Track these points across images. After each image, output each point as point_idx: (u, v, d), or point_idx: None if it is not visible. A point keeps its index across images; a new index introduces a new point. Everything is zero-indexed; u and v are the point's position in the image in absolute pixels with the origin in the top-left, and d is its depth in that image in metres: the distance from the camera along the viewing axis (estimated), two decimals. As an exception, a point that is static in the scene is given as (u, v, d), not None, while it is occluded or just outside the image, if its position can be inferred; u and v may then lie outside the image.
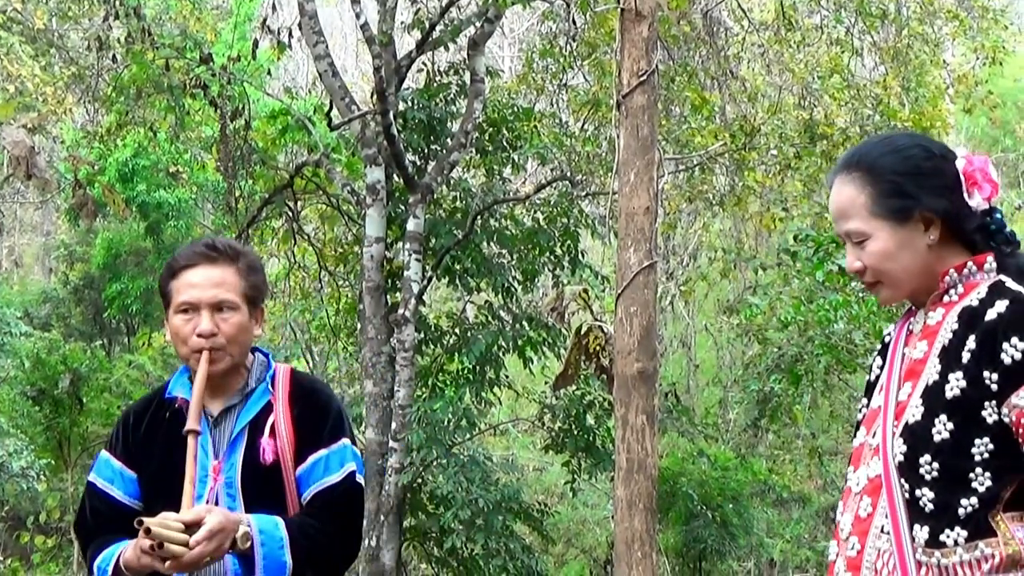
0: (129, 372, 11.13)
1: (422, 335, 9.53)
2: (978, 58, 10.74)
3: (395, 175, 8.99)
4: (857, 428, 2.18)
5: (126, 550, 2.36)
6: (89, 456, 11.14)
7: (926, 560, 1.93)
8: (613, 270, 6.62)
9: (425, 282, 9.15)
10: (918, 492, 1.95)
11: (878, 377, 2.18)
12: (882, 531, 1.98)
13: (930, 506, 1.94)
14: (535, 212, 10.25)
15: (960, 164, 2.04)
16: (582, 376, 9.26)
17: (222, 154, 9.78)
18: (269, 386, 2.51)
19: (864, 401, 2.19)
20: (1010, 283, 1.99)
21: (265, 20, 9.18)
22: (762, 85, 10.86)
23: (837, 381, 9.84)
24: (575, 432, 9.79)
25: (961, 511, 1.92)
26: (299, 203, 10.24)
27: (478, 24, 9.12)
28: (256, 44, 9.55)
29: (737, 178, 10.30)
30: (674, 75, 9.54)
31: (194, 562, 2.25)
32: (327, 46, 8.91)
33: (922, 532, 1.94)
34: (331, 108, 9.29)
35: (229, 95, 9.53)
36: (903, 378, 2.05)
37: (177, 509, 2.32)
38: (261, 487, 2.41)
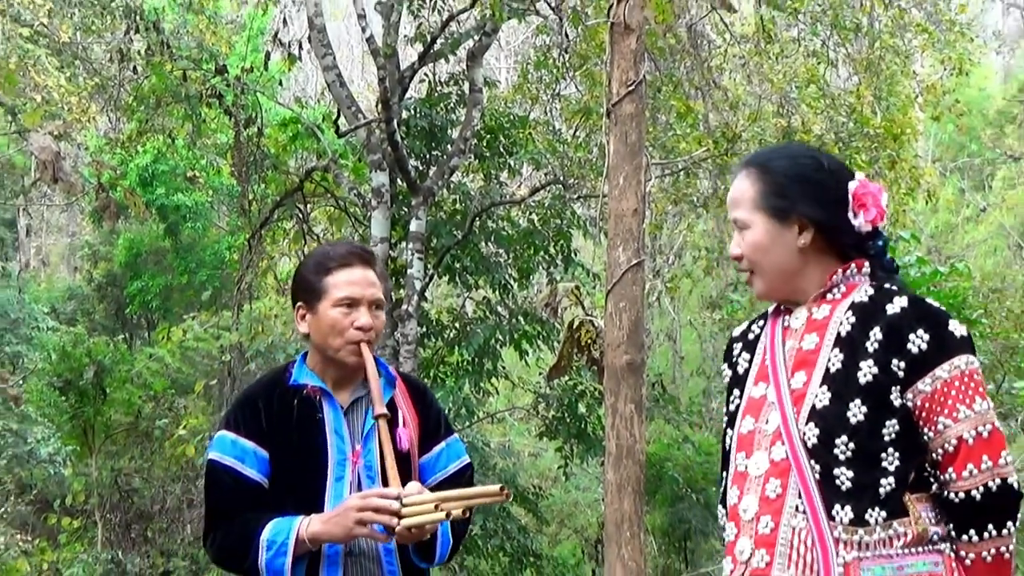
0: (149, 364, 11.08)
1: (424, 329, 9.54)
2: (946, 69, 10.73)
3: (399, 179, 8.99)
4: (732, 417, 2.18)
5: (311, 523, 2.35)
6: (112, 442, 11.10)
7: (847, 537, 1.94)
8: (603, 268, 6.62)
9: (427, 280, 9.15)
10: (836, 471, 1.96)
11: (746, 371, 2.19)
12: (797, 510, 1.98)
13: (848, 484, 1.95)
14: (530, 214, 10.26)
15: (852, 185, 2.08)
16: (574, 367, 9.24)
17: (236, 160, 9.77)
18: (393, 383, 2.57)
19: (736, 392, 2.20)
20: (894, 285, 2.06)
21: (276, 34, 9.16)
22: (743, 94, 10.85)
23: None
24: (568, 420, 9.80)
25: (882, 491, 1.95)
26: (308, 206, 10.23)
27: (476, 37, 9.12)
28: (268, 56, 9.52)
29: (720, 182, 10.29)
30: (660, 85, 9.54)
31: (421, 536, 2.34)
32: (335, 58, 8.90)
33: (844, 511, 1.95)
34: (338, 116, 9.28)
35: (243, 104, 9.53)
36: (793, 368, 2.07)
37: (305, 486, 2.41)
38: (397, 472, 2.44)
